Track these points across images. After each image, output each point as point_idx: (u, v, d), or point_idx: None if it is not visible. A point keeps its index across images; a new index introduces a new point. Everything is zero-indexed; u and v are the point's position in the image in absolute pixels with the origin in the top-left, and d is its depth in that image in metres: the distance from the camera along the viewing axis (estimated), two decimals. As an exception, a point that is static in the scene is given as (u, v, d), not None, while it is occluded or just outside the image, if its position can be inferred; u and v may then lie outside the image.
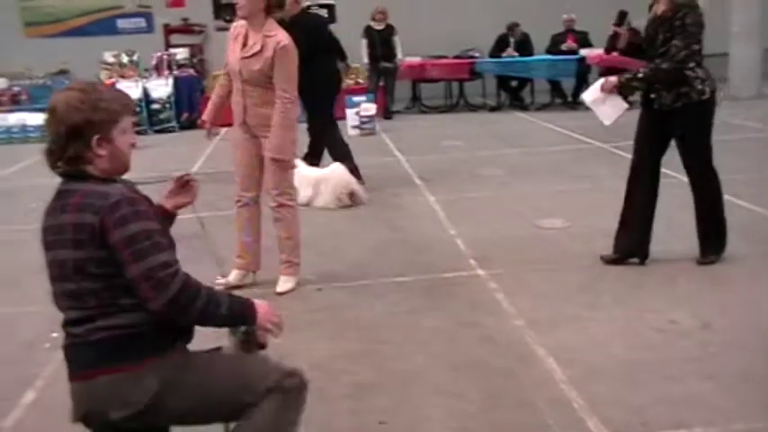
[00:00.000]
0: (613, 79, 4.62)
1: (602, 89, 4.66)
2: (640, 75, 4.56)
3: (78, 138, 2.24)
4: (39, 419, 3.32)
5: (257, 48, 4.53)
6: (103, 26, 14.91)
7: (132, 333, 2.20)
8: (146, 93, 12.32)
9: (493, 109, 13.08)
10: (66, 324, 2.30)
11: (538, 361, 3.63)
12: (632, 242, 4.83)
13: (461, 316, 4.23)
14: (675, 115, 4.57)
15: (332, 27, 15.39)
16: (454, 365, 3.64)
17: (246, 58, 4.57)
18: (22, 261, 5.69)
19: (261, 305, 2.36)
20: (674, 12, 4.47)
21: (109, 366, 2.19)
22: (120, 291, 2.21)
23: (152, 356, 2.21)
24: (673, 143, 4.71)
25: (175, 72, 12.71)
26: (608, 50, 11.72)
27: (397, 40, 12.73)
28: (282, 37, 4.53)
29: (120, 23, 15.08)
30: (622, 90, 4.64)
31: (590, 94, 4.78)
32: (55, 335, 4.13)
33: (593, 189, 6.96)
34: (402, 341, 3.95)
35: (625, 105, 4.68)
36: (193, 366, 2.27)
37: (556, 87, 13.02)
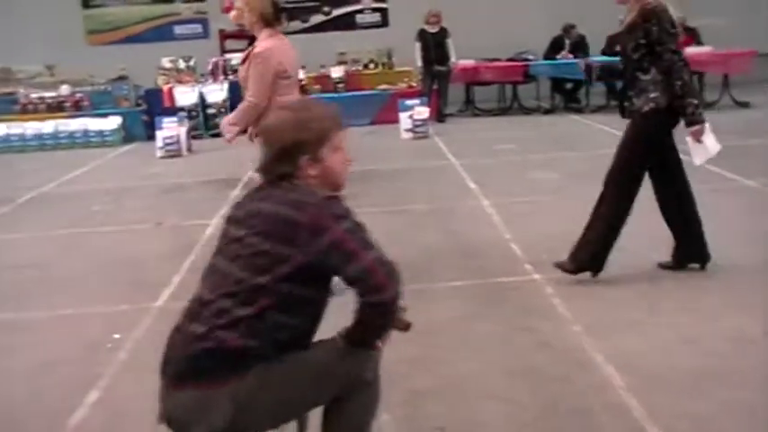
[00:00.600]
0: (696, 128, 4.42)
1: (698, 139, 4.46)
2: (695, 101, 4.40)
3: (287, 158, 2.26)
4: (103, 419, 3.39)
5: (244, 55, 4.91)
6: (161, 33, 15.22)
7: (226, 350, 2.17)
8: (202, 98, 12.53)
9: (547, 112, 12.95)
10: (185, 314, 2.30)
11: (596, 367, 3.58)
12: (682, 248, 4.72)
13: (517, 321, 4.19)
14: (637, 118, 4.51)
15: (385, 31, 15.59)
16: (510, 371, 3.61)
17: (240, 65, 5.01)
18: (84, 263, 5.86)
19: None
20: (646, 18, 4.36)
21: (197, 381, 2.17)
22: (255, 297, 2.17)
23: (234, 377, 2.17)
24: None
25: (230, 77, 12.87)
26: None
27: (450, 42, 12.70)
28: (261, 46, 4.77)
29: (177, 30, 15.37)
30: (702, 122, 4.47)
31: (701, 154, 4.54)
32: (117, 336, 4.27)
33: (652, 193, 6.82)
34: (457, 346, 3.94)
35: (708, 125, 4.51)
36: (269, 383, 2.21)
37: (611, 90, 12.83)
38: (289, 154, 2.26)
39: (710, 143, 4.52)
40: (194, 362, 2.19)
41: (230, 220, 2.35)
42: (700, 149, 4.49)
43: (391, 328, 2.32)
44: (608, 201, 4.63)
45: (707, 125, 4.49)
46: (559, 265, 4.70)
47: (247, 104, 4.87)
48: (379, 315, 2.24)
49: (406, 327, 2.43)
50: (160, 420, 2.27)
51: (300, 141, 2.25)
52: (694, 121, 4.41)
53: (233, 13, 7.45)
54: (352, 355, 2.30)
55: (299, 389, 2.26)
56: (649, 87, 4.43)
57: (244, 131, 5.20)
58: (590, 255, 4.64)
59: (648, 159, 4.60)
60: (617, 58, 13.10)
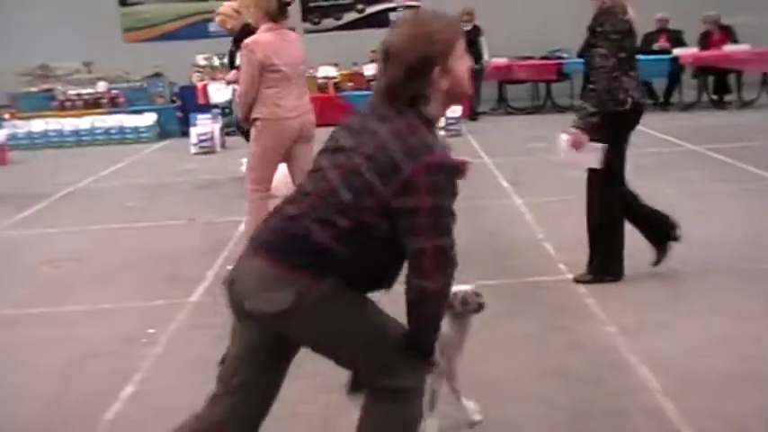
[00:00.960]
0: (573, 131, 4.37)
1: (574, 145, 4.38)
2: (591, 109, 4.32)
3: (418, 76, 2.17)
4: (138, 412, 3.44)
5: None
6: (195, 30, 15.33)
7: (311, 242, 2.13)
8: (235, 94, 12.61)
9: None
10: (289, 199, 2.28)
11: (630, 369, 3.54)
12: (656, 236, 4.70)
13: (550, 321, 4.17)
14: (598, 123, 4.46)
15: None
16: (544, 371, 3.59)
17: None
18: (120, 258, 5.93)
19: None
20: (596, 17, 4.35)
21: (275, 257, 2.16)
22: (350, 213, 2.13)
23: (307, 271, 2.14)
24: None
25: (264, 74, 12.92)
26: None
27: (483, 41, 12.64)
28: (251, 38, 5.05)
29: (212, 27, 15.40)
30: (590, 132, 4.36)
31: (565, 155, 4.47)
32: (151, 330, 4.32)
33: (687, 193, 6.75)
34: (489, 345, 3.91)
35: (600, 145, 4.41)
36: (335, 305, 2.18)
37: (647, 88, 12.66)
38: (418, 72, 2.15)
39: (585, 157, 4.43)
40: (278, 237, 2.19)
41: (345, 127, 2.29)
42: (569, 152, 4.41)
43: (434, 325, 2.27)
44: (597, 207, 4.60)
45: (597, 145, 4.39)
46: (579, 279, 4.68)
47: (237, 94, 5.26)
48: (415, 299, 2.19)
49: (478, 308, 2.76)
50: (224, 281, 2.29)
51: (429, 56, 2.16)
52: (577, 125, 4.35)
53: (217, 19, 7.82)
54: (407, 352, 2.27)
55: (349, 333, 2.22)
56: (610, 89, 4.37)
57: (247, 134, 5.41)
58: (605, 264, 4.63)
59: (622, 155, 4.56)
60: (653, 57, 13.06)
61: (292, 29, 5.42)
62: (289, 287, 2.13)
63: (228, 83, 8.03)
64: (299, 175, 5.18)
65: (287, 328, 2.22)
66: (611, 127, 4.42)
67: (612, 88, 4.33)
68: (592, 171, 4.54)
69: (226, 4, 7.65)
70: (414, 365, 2.30)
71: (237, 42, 5.79)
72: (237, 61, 5.31)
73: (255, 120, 5.06)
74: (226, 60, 8.25)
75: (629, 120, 4.47)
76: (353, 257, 2.16)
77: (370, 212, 2.13)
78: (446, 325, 2.78)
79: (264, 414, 2.37)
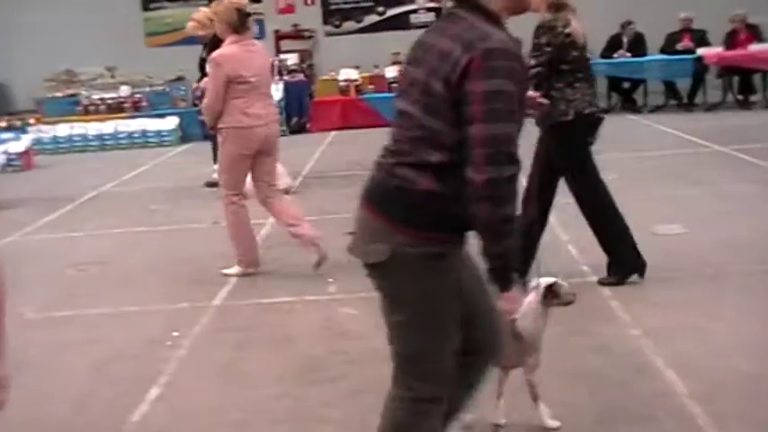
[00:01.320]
0: None
1: None
2: None
3: None
4: (164, 414, 3.45)
5: None
6: (217, 34, 15.39)
7: (412, 191, 2.11)
8: (257, 98, 12.66)
9: (604, 111, 12.72)
10: (385, 150, 2.24)
11: (657, 372, 3.51)
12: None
13: (574, 324, 4.12)
14: (545, 134, 4.55)
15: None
16: (567, 374, 3.56)
17: None
18: (144, 261, 5.97)
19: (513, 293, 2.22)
20: (536, 30, 4.41)
21: (375, 208, 2.17)
22: (441, 142, 2.07)
23: (404, 225, 2.12)
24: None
25: (286, 77, 12.97)
26: None
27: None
28: (217, 52, 5.14)
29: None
30: None
31: None
32: (176, 333, 4.33)
33: (713, 194, 6.68)
34: (514, 348, 3.89)
35: None
36: (422, 281, 2.16)
37: (670, 88, 12.56)
38: None
39: None
40: (380, 189, 2.19)
41: (410, 61, 2.25)
42: None
43: (493, 233, 2.07)
44: (594, 214, 4.65)
45: None
46: (602, 282, 4.68)
47: (203, 105, 5.27)
48: (469, 197, 2.04)
49: (567, 302, 2.86)
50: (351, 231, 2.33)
51: None
52: None
53: (189, 24, 7.93)
54: (431, 358, 2.26)
55: (416, 310, 2.20)
56: (551, 101, 4.47)
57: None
58: (623, 262, 4.62)
59: (585, 162, 4.60)
60: (676, 57, 12.92)
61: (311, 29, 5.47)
62: (387, 241, 2.13)
63: (200, 90, 8.12)
64: (264, 189, 5.28)
65: (377, 279, 2.24)
66: (558, 135, 4.50)
67: (556, 99, 4.41)
68: (575, 181, 4.64)
69: (201, 10, 7.72)
70: (437, 378, 2.27)
71: (209, 50, 5.87)
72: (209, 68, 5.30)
73: (221, 129, 5.13)
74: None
75: (575, 130, 4.50)
76: (454, 196, 2.07)
77: (451, 128, 2.05)
78: (535, 319, 2.93)
79: None
